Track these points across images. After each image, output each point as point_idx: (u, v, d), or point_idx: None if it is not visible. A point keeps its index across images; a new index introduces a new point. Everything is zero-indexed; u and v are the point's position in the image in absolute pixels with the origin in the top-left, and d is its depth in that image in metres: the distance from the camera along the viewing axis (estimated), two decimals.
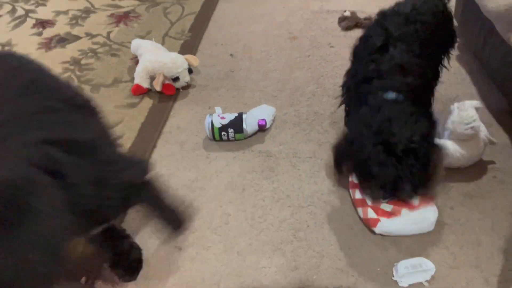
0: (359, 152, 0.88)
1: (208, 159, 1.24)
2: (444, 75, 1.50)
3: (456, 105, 1.26)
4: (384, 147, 0.85)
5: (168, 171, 1.21)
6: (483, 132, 1.15)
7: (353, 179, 1.09)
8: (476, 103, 1.15)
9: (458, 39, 1.65)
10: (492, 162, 1.18)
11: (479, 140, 1.13)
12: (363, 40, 1.09)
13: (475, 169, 1.16)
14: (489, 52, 1.37)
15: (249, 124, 1.27)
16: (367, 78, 0.98)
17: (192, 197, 1.13)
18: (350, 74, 1.11)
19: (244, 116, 1.27)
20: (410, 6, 1.07)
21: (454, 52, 1.61)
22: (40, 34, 1.88)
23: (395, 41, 0.99)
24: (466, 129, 1.10)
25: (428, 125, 0.90)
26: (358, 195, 1.06)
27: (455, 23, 1.68)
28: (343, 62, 1.60)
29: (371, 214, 1.00)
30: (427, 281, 0.92)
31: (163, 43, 1.75)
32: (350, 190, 1.10)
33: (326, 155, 1.23)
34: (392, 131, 0.86)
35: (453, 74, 1.51)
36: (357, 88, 1.02)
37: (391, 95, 0.93)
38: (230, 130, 1.26)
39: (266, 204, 1.10)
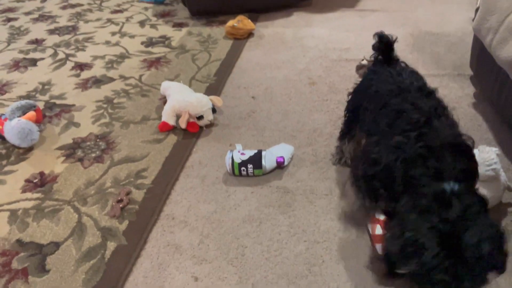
0: (420, 256, 0.75)
1: (227, 193, 1.28)
2: (461, 121, 1.53)
3: (477, 149, 1.28)
4: (449, 252, 0.74)
5: (189, 203, 1.25)
6: (503, 176, 1.16)
7: (375, 215, 1.10)
8: (496, 150, 1.17)
9: (474, 88, 1.71)
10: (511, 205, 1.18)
11: (500, 183, 1.14)
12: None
13: (495, 212, 1.15)
14: (505, 99, 1.40)
15: (268, 160, 1.31)
16: (415, 157, 0.86)
17: (210, 229, 1.16)
18: (390, 146, 0.92)
19: (263, 153, 1.33)
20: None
21: (471, 100, 1.66)
22: (78, 75, 2.04)
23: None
24: (487, 170, 1.12)
25: (494, 225, 0.79)
26: (378, 231, 1.06)
27: (471, 72, 1.75)
28: None
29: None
30: None
31: (190, 85, 1.86)
32: (370, 225, 1.10)
33: (342, 194, 1.25)
34: (462, 237, 0.74)
35: (470, 121, 1.54)
36: (407, 170, 0.86)
37: (450, 185, 0.81)
38: (250, 166, 1.31)
39: (282, 238, 1.12)
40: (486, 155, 1.14)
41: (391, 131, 0.94)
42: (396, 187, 0.87)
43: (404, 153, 0.87)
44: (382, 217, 1.09)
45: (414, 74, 1.12)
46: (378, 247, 1.04)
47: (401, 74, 1.08)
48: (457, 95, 1.70)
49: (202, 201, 1.26)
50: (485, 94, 1.61)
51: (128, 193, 1.28)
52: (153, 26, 2.58)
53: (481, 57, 1.57)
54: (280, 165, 1.35)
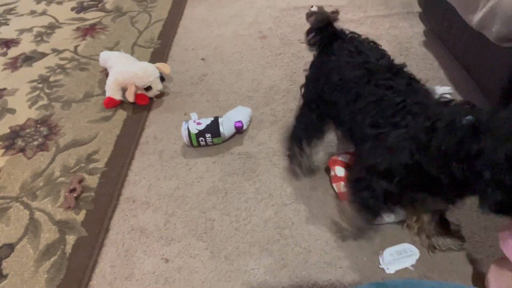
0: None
1: (188, 166, 1.23)
2: (413, 60, 1.54)
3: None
4: None
5: (148, 182, 1.19)
6: None
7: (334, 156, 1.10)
8: (448, 89, 1.18)
9: (423, 26, 1.70)
10: None
11: None
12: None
13: None
14: (454, 35, 1.40)
15: (226, 127, 1.26)
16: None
17: (175, 206, 1.12)
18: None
19: (220, 119, 1.27)
20: None
21: (421, 38, 1.65)
22: (4, 54, 1.83)
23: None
24: None
25: None
26: (339, 172, 1.07)
27: (420, 9, 1.73)
28: None
29: (344, 188, 1.03)
30: (412, 265, 0.93)
31: (132, 53, 1.72)
32: (331, 168, 1.10)
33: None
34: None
35: (422, 59, 1.54)
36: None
37: None
38: (208, 135, 1.25)
39: (249, 206, 1.10)
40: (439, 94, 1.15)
41: (379, 130, 0.81)
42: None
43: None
44: (340, 158, 1.10)
45: (375, 47, 0.97)
46: (334, 186, 1.06)
47: (362, 51, 0.92)
48: (407, 34, 1.68)
49: (162, 178, 1.20)
50: (435, 31, 1.60)
51: (80, 181, 1.20)
52: None
53: None
54: (239, 130, 1.30)
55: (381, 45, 0.99)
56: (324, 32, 1.01)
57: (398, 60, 1.55)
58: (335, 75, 0.92)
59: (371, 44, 0.98)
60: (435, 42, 1.60)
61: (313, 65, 1.06)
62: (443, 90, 1.17)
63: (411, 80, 0.88)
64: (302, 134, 1.11)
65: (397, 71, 0.89)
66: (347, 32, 1.02)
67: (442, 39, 1.54)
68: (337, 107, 0.92)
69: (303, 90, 1.09)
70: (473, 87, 1.37)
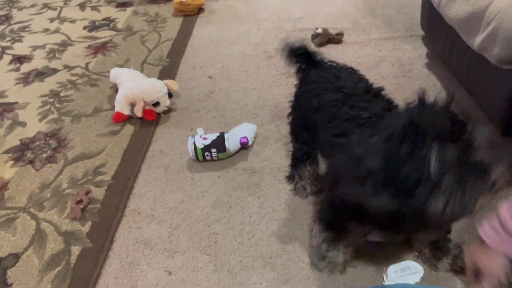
0: None
1: (193, 180, 1.25)
2: (416, 82, 1.57)
3: None
4: None
5: (154, 195, 1.21)
6: None
7: None
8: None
9: (426, 48, 1.73)
10: None
11: None
12: None
13: None
14: (456, 58, 1.43)
15: (231, 142, 1.28)
16: None
17: (179, 219, 1.13)
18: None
19: (225, 135, 1.29)
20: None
21: (424, 61, 1.69)
22: (17, 69, 1.88)
23: None
24: None
25: None
26: None
27: (422, 32, 1.77)
28: None
29: None
30: (416, 283, 0.93)
31: (141, 70, 1.77)
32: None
33: None
34: None
35: (425, 81, 1.57)
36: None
37: None
38: (213, 150, 1.27)
39: (253, 220, 1.11)
40: None
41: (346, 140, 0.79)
42: None
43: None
44: None
45: (353, 73, 0.99)
46: None
47: (339, 77, 0.94)
48: (410, 56, 1.72)
49: (167, 191, 1.22)
50: (437, 53, 1.64)
51: (87, 192, 1.22)
52: (94, 8, 2.41)
53: (431, 16, 1.58)
54: (244, 146, 1.32)
55: (359, 71, 1.00)
56: (302, 60, 1.05)
57: (401, 81, 1.59)
58: (314, 100, 0.93)
59: (349, 70, 1.00)
60: (437, 64, 1.64)
61: (296, 95, 1.09)
62: None
63: (389, 104, 0.87)
64: (295, 160, 1.15)
65: (375, 94, 0.90)
66: (325, 60, 1.05)
67: (444, 61, 1.57)
68: (318, 131, 0.94)
69: (290, 117, 1.12)
70: (475, 108, 1.39)
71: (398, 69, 1.65)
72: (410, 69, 1.64)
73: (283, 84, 1.63)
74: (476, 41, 1.21)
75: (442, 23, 1.44)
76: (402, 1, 2.16)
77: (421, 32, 1.80)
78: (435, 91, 1.52)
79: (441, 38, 1.52)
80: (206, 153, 1.27)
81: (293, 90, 1.58)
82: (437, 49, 1.62)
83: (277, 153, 1.32)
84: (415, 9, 1.95)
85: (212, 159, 1.29)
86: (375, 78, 1.61)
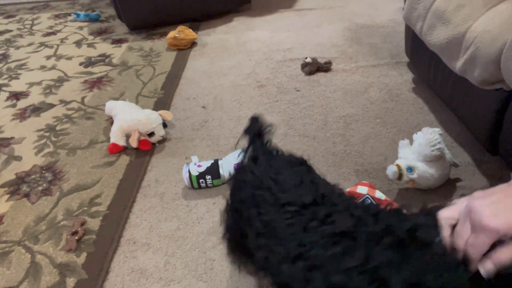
0: None
1: (188, 208, 1.25)
2: (404, 106, 1.62)
3: (420, 132, 1.35)
4: None
5: (149, 224, 1.21)
6: (447, 154, 1.22)
7: None
8: (438, 130, 1.24)
9: (412, 74, 1.80)
10: (460, 180, 1.25)
11: (445, 161, 1.21)
12: None
13: (445, 189, 1.22)
14: (441, 81, 1.49)
15: (226, 169, 1.30)
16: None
17: (175, 247, 1.12)
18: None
19: (220, 162, 1.31)
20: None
21: (410, 85, 1.74)
22: (14, 105, 1.92)
23: None
24: (433, 150, 1.18)
25: None
26: None
27: (407, 59, 1.85)
28: (309, 103, 1.70)
29: None
30: None
31: (136, 102, 1.81)
32: None
33: None
34: None
35: (412, 104, 1.62)
36: None
37: None
38: (208, 177, 1.28)
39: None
40: (430, 136, 1.20)
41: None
42: None
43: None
44: None
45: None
46: None
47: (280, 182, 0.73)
48: (397, 82, 1.78)
49: (163, 220, 1.22)
50: (422, 78, 1.70)
51: (82, 224, 1.22)
52: (90, 45, 2.48)
53: (414, 43, 1.66)
54: None
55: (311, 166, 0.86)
56: (254, 142, 0.91)
57: (389, 106, 1.64)
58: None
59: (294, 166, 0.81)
60: (423, 88, 1.69)
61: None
62: (432, 130, 1.22)
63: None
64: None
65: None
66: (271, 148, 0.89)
67: (429, 85, 1.63)
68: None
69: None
70: (462, 129, 1.44)
71: (386, 94, 1.71)
72: (398, 93, 1.70)
73: (276, 112, 1.67)
74: (458, 65, 1.27)
75: (425, 49, 1.51)
76: (387, 30, 2.25)
77: (406, 59, 1.88)
78: (423, 113, 1.56)
79: (425, 63, 1.58)
80: (201, 180, 1.28)
81: (286, 117, 1.63)
82: (422, 74, 1.68)
83: None
84: (400, 38, 2.05)
85: (207, 186, 1.30)
86: (364, 103, 1.66)
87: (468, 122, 1.35)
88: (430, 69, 1.56)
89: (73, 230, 1.19)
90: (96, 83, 2.03)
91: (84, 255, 1.13)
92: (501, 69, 1.06)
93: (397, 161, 1.23)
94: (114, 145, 1.50)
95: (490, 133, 1.22)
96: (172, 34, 2.26)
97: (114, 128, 1.52)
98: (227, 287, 1.00)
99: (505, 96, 1.12)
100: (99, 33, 2.63)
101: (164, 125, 1.53)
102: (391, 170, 1.21)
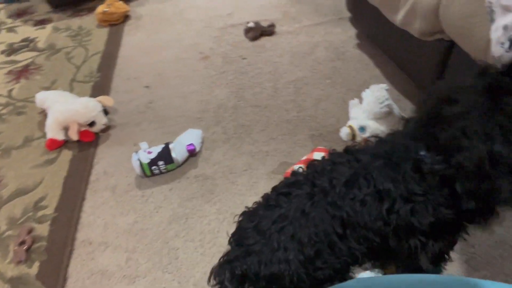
0: None
1: (144, 198, 1.19)
2: (350, 63, 1.61)
3: (368, 90, 1.35)
4: None
5: (104, 221, 1.14)
6: (396, 109, 1.24)
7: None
8: (384, 86, 1.25)
9: (355, 29, 1.78)
10: None
11: (394, 117, 1.23)
12: None
13: None
14: (383, 35, 1.49)
15: (178, 152, 1.24)
16: None
17: (135, 242, 1.07)
18: None
19: (171, 145, 1.25)
20: None
21: (355, 41, 1.73)
22: None
23: None
24: (382, 107, 1.19)
25: None
26: None
27: (349, 14, 1.82)
28: (257, 71, 1.64)
29: None
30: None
31: (71, 90, 1.66)
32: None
33: (260, 164, 1.24)
34: None
35: (358, 61, 1.61)
36: None
37: None
38: (160, 163, 1.22)
39: (212, 228, 1.08)
40: (378, 93, 1.21)
41: None
42: None
43: None
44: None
45: None
46: None
47: None
48: (342, 39, 1.76)
49: (118, 214, 1.15)
50: (365, 33, 1.69)
51: (30, 231, 1.12)
52: (10, 29, 2.22)
53: None
54: (192, 153, 1.28)
55: None
56: None
57: (337, 65, 1.62)
58: None
59: None
60: (367, 43, 1.69)
61: None
62: (379, 87, 1.23)
63: None
64: None
65: None
66: None
67: (373, 40, 1.62)
68: None
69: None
70: (407, 81, 1.45)
71: (332, 53, 1.68)
72: (343, 51, 1.68)
73: (223, 84, 1.61)
74: (398, 17, 1.26)
75: (366, 4, 1.48)
76: None
77: (348, 14, 1.85)
78: (369, 70, 1.57)
79: (367, 18, 1.57)
80: (153, 167, 1.22)
81: (235, 88, 1.57)
82: (365, 29, 1.67)
83: (226, 155, 1.30)
84: None
85: (161, 172, 1.24)
86: (311, 65, 1.63)
87: (413, 74, 1.37)
88: (371, 24, 1.54)
89: (20, 240, 1.10)
90: (22, 73, 1.84)
91: (36, 265, 1.05)
92: (440, 19, 1.06)
93: (349, 122, 1.24)
94: (52, 140, 1.37)
95: (434, 82, 1.24)
96: (101, 8, 2.07)
97: (48, 121, 1.39)
98: (195, 274, 0.98)
99: (446, 46, 1.14)
100: (18, 15, 2.36)
101: (105, 111, 1.43)
102: (344, 132, 1.21)
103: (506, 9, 0.74)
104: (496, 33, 0.77)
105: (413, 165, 0.61)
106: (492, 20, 0.81)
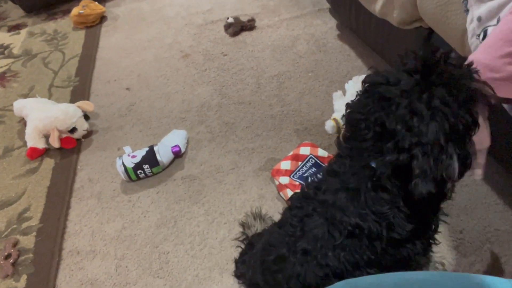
0: None
1: (130, 203, 1.17)
2: (332, 55, 1.61)
3: (350, 81, 1.35)
4: None
5: (91, 229, 1.12)
6: None
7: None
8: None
9: (335, 20, 1.78)
10: None
11: None
12: None
13: None
14: (363, 25, 1.49)
15: (163, 154, 1.22)
16: None
17: (124, 248, 1.06)
18: None
19: (155, 148, 1.23)
20: None
21: (335, 32, 1.73)
22: None
23: None
24: None
25: None
26: (283, 180, 1.08)
27: (328, 5, 1.81)
28: (239, 67, 1.63)
29: (290, 193, 1.05)
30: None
31: (50, 96, 1.62)
32: (274, 178, 1.12)
33: (247, 162, 1.23)
34: None
35: (339, 52, 1.61)
36: None
37: None
38: (145, 166, 1.20)
39: (202, 229, 1.07)
40: (359, 85, 1.20)
41: None
42: None
43: None
44: (282, 167, 1.11)
45: None
46: (282, 194, 1.08)
47: None
48: (322, 31, 1.75)
49: (105, 221, 1.13)
50: (345, 23, 1.69)
51: (15, 244, 1.10)
52: None
53: None
54: (177, 154, 1.27)
55: None
56: None
57: (318, 57, 1.61)
58: None
59: None
60: (348, 34, 1.69)
61: None
62: (362, 78, 1.22)
63: None
64: None
65: None
66: None
67: (353, 30, 1.62)
68: None
69: None
70: (388, 70, 1.46)
71: (313, 45, 1.68)
72: (324, 43, 1.68)
73: (206, 82, 1.59)
74: (377, 7, 1.26)
75: None
76: None
77: (327, 5, 1.85)
78: (351, 60, 1.56)
79: (346, 8, 1.56)
80: (139, 171, 1.20)
81: (218, 86, 1.55)
82: (345, 19, 1.67)
83: (213, 154, 1.28)
84: None
85: (146, 176, 1.23)
86: (293, 58, 1.62)
87: (394, 62, 1.37)
88: (351, 14, 1.54)
89: (6, 253, 1.07)
90: None
91: (24, 278, 1.03)
92: (418, 7, 1.06)
93: (334, 115, 1.24)
94: (33, 149, 1.34)
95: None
96: (76, 10, 2.02)
97: (28, 130, 1.36)
98: (187, 277, 0.97)
99: (425, 34, 1.14)
100: None
101: (86, 117, 1.40)
102: (329, 125, 1.21)
103: (480, 0, 0.74)
104: (471, 25, 0.77)
105: (371, 184, 0.60)
106: (466, 11, 0.81)
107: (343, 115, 1.14)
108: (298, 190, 1.02)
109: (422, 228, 0.65)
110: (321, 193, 0.66)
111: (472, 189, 1.05)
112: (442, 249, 0.94)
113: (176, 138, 1.30)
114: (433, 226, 0.67)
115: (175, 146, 1.26)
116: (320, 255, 0.63)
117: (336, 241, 0.62)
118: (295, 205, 0.71)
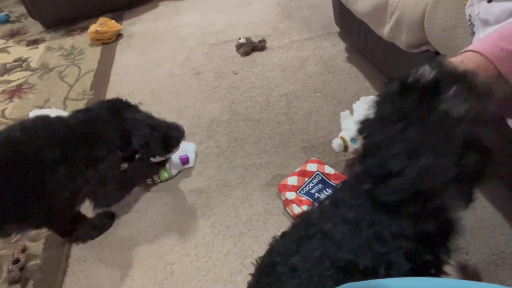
0: None
1: (138, 213, 1.19)
2: (340, 76, 1.64)
3: (358, 102, 1.38)
4: None
5: (98, 238, 1.13)
6: None
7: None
8: (374, 98, 1.27)
9: (344, 43, 1.82)
10: None
11: None
12: None
13: None
14: (371, 48, 1.52)
15: (172, 162, 1.25)
16: None
17: (130, 257, 1.07)
18: None
19: None
20: None
21: (344, 55, 1.77)
22: None
23: None
24: None
25: None
26: (290, 196, 1.10)
27: (338, 28, 1.86)
28: (249, 85, 1.67)
29: (296, 209, 1.06)
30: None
31: (64, 108, 1.67)
32: (281, 193, 1.13)
33: (254, 177, 1.25)
34: None
35: (347, 74, 1.65)
36: None
37: None
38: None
39: (207, 242, 1.08)
40: (367, 105, 1.23)
41: None
42: None
43: None
44: (289, 183, 1.13)
45: None
46: (288, 210, 1.09)
47: None
48: (331, 53, 1.80)
49: (112, 230, 1.15)
50: (354, 46, 1.73)
51: (23, 250, 1.11)
52: (3, 50, 2.24)
53: (343, 13, 1.67)
54: (185, 163, 1.29)
55: None
56: None
57: (327, 78, 1.65)
58: None
59: None
60: (356, 56, 1.73)
61: None
62: (369, 99, 1.25)
63: None
64: None
65: None
66: None
67: (362, 53, 1.66)
68: None
69: None
70: None
71: (322, 66, 1.72)
72: (333, 65, 1.72)
73: (216, 98, 1.63)
74: (385, 31, 1.30)
75: (353, 18, 1.52)
76: (315, 2, 2.26)
77: (337, 29, 1.90)
78: (359, 82, 1.60)
79: (355, 32, 1.61)
80: (147, 179, 1.23)
81: (228, 103, 1.59)
82: (353, 42, 1.71)
83: (220, 169, 1.30)
84: (329, 8, 2.04)
85: (154, 183, 1.25)
86: (302, 78, 1.66)
87: None
88: (360, 37, 1.58)
89: (14, 258, 1.09)
90: (15, 92, 1.84)
91: (31, 284, 1.04)
92: (425, 31, 1.09)
93: (341, 134, 1.25)
94: None
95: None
96: (93, 27, 2.10)
97: None
98: None
99: (432, 57, 1.17)
100: (11, 35, 2.38)
101: None
102: (336, 143, 1.23)
103: (485, 23, 0.77)
104: None
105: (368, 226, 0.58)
106: (473, 33, 0.84)
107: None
108: (305, 206, 1.04)
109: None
110: (321, 223, 0.64)
111: (478, 210, 1.06)
112: (447, 271, 0.94)
113: (185, 150, 1.33)
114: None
115: (183, 155, 1.28)
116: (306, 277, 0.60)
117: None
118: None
